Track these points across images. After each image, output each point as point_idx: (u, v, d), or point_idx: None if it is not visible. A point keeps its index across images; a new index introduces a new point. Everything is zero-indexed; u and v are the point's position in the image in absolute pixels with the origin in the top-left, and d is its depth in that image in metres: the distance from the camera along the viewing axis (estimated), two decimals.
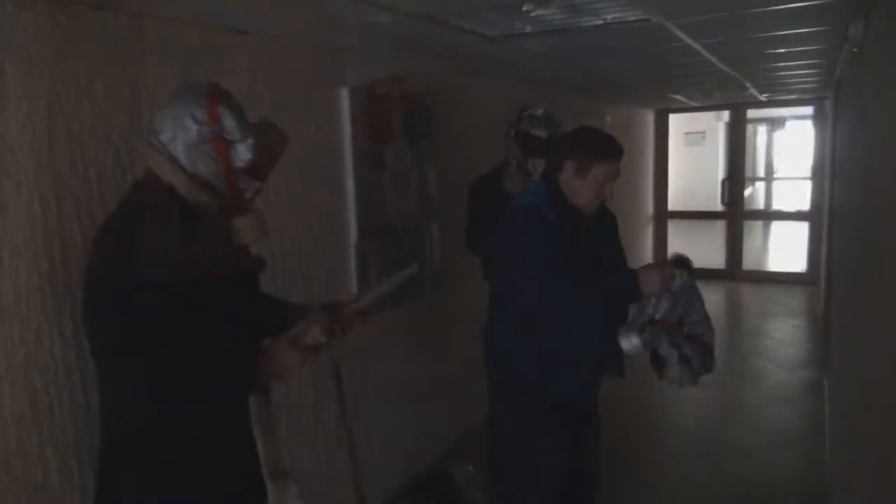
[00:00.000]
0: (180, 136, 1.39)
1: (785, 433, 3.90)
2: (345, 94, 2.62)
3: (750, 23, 2.47)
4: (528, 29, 2.30)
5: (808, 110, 8.19)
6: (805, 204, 8.08)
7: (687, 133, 11.59)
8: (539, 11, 2.04)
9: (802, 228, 7.92)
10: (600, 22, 2.22)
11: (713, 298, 7.19)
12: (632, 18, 2.19)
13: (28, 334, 1.61)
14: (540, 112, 2.77)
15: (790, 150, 15.92)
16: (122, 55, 1.81)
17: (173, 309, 1.34)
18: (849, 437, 2.44)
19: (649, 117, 7.99)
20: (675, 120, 8.42)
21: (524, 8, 1.98)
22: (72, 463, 1.71)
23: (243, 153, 1.44)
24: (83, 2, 1.69)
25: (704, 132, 12.12)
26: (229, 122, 1.41)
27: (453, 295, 3.56)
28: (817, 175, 7.24)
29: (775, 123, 15.07)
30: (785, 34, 2.75)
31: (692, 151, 11.70)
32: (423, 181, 3.18)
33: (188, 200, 1.42)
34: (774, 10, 2.21)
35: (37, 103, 1.61)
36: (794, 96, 6.71)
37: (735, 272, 7.90)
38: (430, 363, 3.41)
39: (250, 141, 1.44)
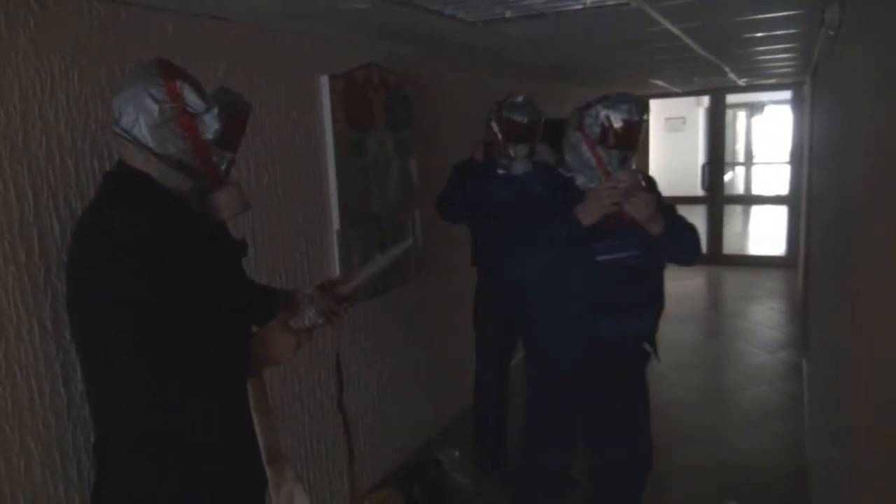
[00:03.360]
0: (142, 118, 1.35)
1: (765, 414, 3.96)
2: (325, 81, 2.60)
3: (728, 6, 2.48)
4: (507, 14, 2.29)
5: (787, 95, 8.26)
6: (784, 188, 8.17)
7: (667, 118, 11.66)
8: None
9: (782, 212, 8.02)
10: (580, 6, 2.22)
11: (694, 283, 7.27)
12: (611, 2, 2.19)
13: (7, 325, 1.59)
14: (520, 99, 2.85)
15: (769, 134, 16.06)
16: (98, 43, 1.78)
17: (157, 297, 1.30)
18: (826, 417, 2.49)
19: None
20: (655, 105, 8.46)
21: None
22: (54, 454, 1.70)
23: (211, 123, 1.41)
24: None
25: (685, 118, 12.19)
26: (190, 96, 1.38)
27: (437, 282, 3.57)
28: (796, 159, 7.32)
29: (754, 108, 15.18)
30: (762, 18, 2.77)
31: (672, 137, 11.78)
32: (405, 168, 3.18)
33: (163, 184, 1.38)
34: None
35: (10, 93, 1.58)
36: (772, 81, 6.76)
37: (716, 256, 7.98)
38: (415, 350, 3.42)
39: (215, 110, 1.41)
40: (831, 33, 2.38)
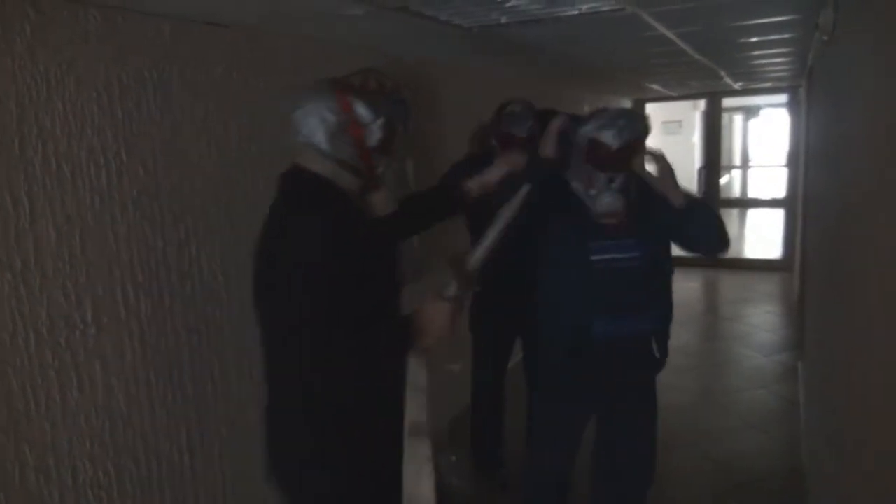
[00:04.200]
0: (321, 128, 1.57)
1: (762, 417, 3.97)
2: None
3: (722, 12, 2.49)
4: (503, 19, 2.30)
5: (783, 98, 8.30)
6: (780, 191, 8.19)
7: (664, 122, 11.68)
8: (514, 2, 2.05)
9: (778, 215, 8.04)
10: (575, 11, 2.23)
11: (690, 286, 7.28)
12: (606, 8, 2.20)
13: (2, 333, 1.59)
14: (518, 109, 2.78)
15: (765, 138, 16.11)
16: (95, 49, 1.78)
17: (351, 282, 1.49)
18: (822, 419, 2.49)
19: (627, 106, 8.05)
20: (652, 109, 8.48)
21: None
22: (49, 461, 1.70)
23: (375, 132, 1.63)
24: None
25: (681, 121, 12.21)
26: (360, 109, 1.60)
27: (435, 284, 3.56)
28: (792, 162, 7.34)
29: (750, 112, 15.24)
30: (757, 23, 2.78)
31: (669, 140, 11.80)
32: (402, 172, 3.18)
33: (337, 184, 1.61)
34: None
35: (6, 99, 1.58)
36: (768, 84, 6.78)
37: (712, 259, 8.00)
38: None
39: (380, 121, 1.63)
40: (825, 38, 2.39)
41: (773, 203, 9.07)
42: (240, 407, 2.30)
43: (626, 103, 8.01)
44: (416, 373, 1.60)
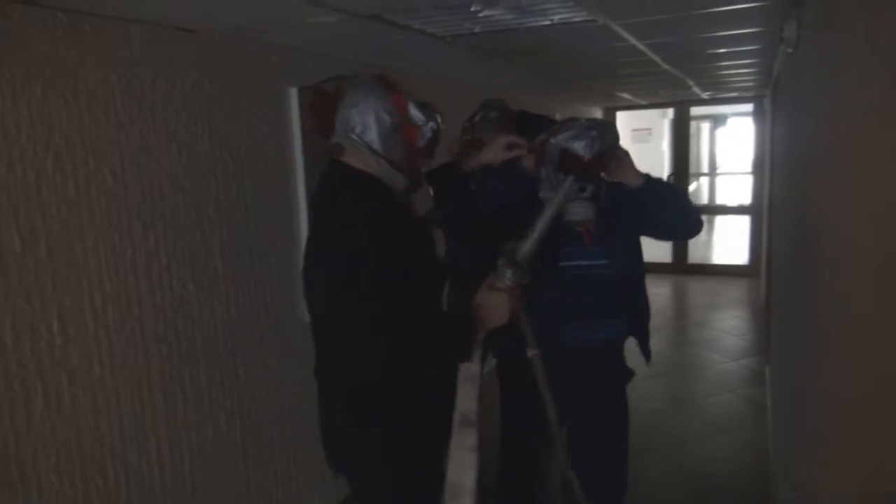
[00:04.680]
0: (375, 127, 1.58)
1: (731, 421, 4.03)
2: (294, 93, 2.59)
3: (691, 24, 2.54)
4: (477, 29, 2.32)
5: (749, 108, 8.46)
6: (747, 198, 8.34)
7: (634, 130, 11.84)
8: (487, 12, 2.06)
9: (745, 222, 8.19)
10: (547, 22, 2.26)
11: (660, 292, 7.38)
12: (578, 19, 2.23)
13: None
14: (493, 115, 2.77)
15: (732, 146, 16.40)
16: (63, 55, 1.75)
17: (405, 277, 1.49)
18: (787, 423, 2.54)
19: (598, 115, 8.14)
20: (622, 117, 8.60)
21: (472, 8, 2.00)
22: (13, 473, 1.66)
23: (426, 134, 1.67)
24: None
25: (650, 129, 12.38)
26: (413, 111, 1.64)
27: None
28: (757, 170, 7.50)
29: (718, 120, 15.51)
30: (724, 35, 2.84)
31: (639, 148, 11.95)
32: None
33: (387, 183, 1.61)
34: (713, 11, 2.29)
35: None
36: (734, 94, 6.93)
37: (681, 265, 8.12)
38: None
39: (431, 124, 1.68)
40: (790, 50, 2.45)
41: (740, 210, 9.22)
42: (212, 417, 2.27)
43: (598, 112, 8.11)
44: (468, 363, 1.64)
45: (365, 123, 1.58)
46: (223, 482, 2.33)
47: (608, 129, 2.02)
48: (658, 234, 2.20)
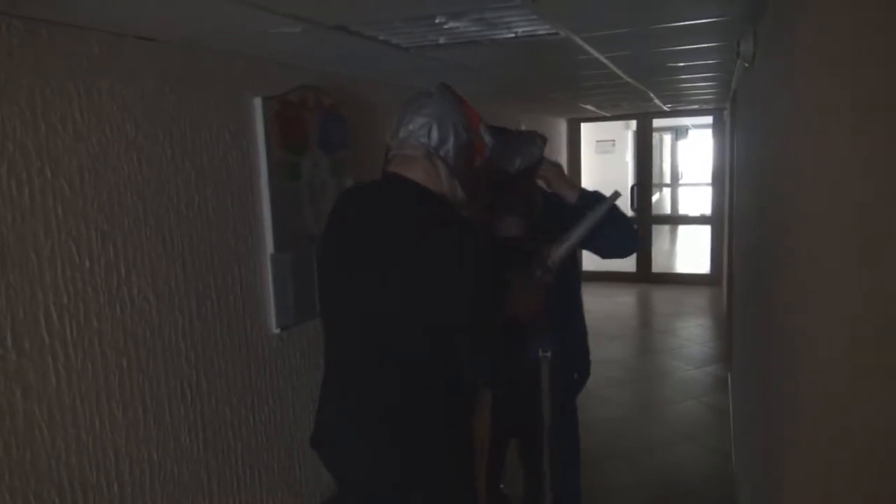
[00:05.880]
0: (452, 140, 1.53)
1: (694, 427, 4.10)
2: (258, 103, 2.57)
3: (651, 38, 2.60)
4: (441, 40, 2.33)
5: (709, 120, 8.66)
6: (707, 208, 8.53)
7: (598, 141, 12.02)
8: (452, 24, 2.08)
9: (706, 231, 8.36)
10: (511, 35, 2.28)
11: (624, 300, 7.47)
12: (541, 32, 2.26)
13: None
14: None
15: (694, 157, 16.74)
16: (19, 62, 1.71)
17: (492, 289, 1.49)
18: (748, 429, 2.59)
19: (562, 126, 8.24)
20: (586, 129, 8.72)
21: (437, 20, 2.01)
22: None
23: (485, 155, 1.64)
24: None
25: (614, 140, 12.59)
26: (483, 130, 1.61)
27: None
28: (717, 181, 7.67)
29: (679, 132, 15.84)
30: (683, 49, 2.91)
31: (603, 159, 12.13)
32: (341, 190, 3.16)
33: (449, 197, 1.56)
34: (672, 26, 2.34)
35: None
36: (695, 106, 7.09)
37: (645, 274, 8.24)
38: None
39: (490, 142, 1.64)
40: (746, 65, 2.52)
41: (701, 220, 9.41)
42: (173, 431, 2.23)
43: (562, 123, 8.21)
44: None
45: (443, 136, 1.52)
46: (185, 498, 2.28)
47: (533, 144, 2.04)
48: (594, 249, 2.19)
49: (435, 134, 1.53)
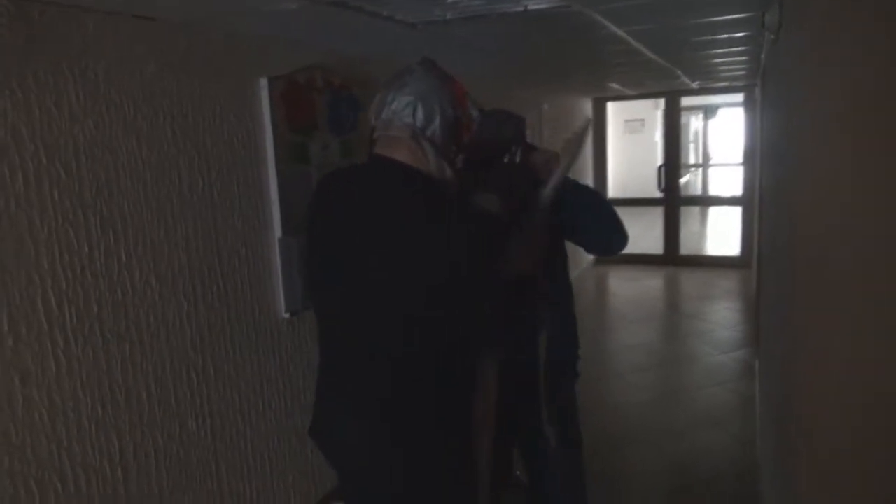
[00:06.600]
0: (439, 119, 1.46)
1: (720, 414, 3.99)
2: (264, 83, 2.52)
3: (670, 9, 2.47)
4: (448, 16, 2.25)
5: (740, 97, 8.40)
6: (738, 189, 8.30)
7: (627, 120, 11.79)
8: None
9: (737, 213, 8.14)
10: (520, 8, 2.19)
11: (652, 284, 7.33)
12: (552, 5, 2.17)
13: None
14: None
15: (724, 136, 16.36)
16: (10, 44, 1.68)
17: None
18: (773, 416, 2.50)
19: (588, 105, 8.07)
20: (614, 108, 8.53)
21: None
22: None
23: (472, 129, 1.56)
24: None
25: (643, 119, 12.34)
26: (470, 106, 1.53)
27: None
28: (748, 160, 7.44)
29: (709, 111, 15.47)
30: (705, 21, 2.78)
31: (632, 139, 11.91)
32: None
33: (436, 176, 1.48)
34: None
35: None
36: (724, 84, 6.86)
37: (673, 257, 8.07)
38: None
39: (477, 118, 1.57)
40: (773, 37, 2.39)
41: (731, 201, 9.17)
42: (179, 417, 2.21)
43: (587, 102, 8.03)
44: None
45: (429, 115, 1.45)
46: (192, 483, 2.27)
47: (505, 122, 1.99)
48: (579, 242, 2.07)
49: (420, 114, 1.45)
